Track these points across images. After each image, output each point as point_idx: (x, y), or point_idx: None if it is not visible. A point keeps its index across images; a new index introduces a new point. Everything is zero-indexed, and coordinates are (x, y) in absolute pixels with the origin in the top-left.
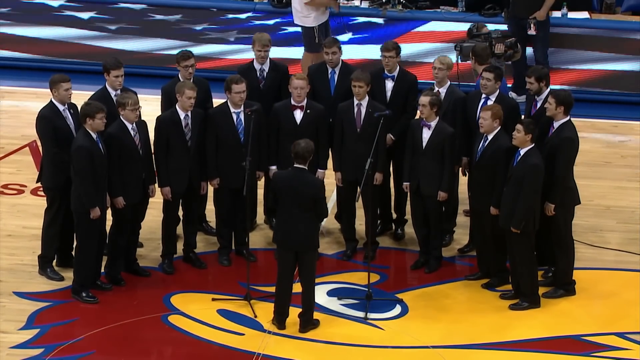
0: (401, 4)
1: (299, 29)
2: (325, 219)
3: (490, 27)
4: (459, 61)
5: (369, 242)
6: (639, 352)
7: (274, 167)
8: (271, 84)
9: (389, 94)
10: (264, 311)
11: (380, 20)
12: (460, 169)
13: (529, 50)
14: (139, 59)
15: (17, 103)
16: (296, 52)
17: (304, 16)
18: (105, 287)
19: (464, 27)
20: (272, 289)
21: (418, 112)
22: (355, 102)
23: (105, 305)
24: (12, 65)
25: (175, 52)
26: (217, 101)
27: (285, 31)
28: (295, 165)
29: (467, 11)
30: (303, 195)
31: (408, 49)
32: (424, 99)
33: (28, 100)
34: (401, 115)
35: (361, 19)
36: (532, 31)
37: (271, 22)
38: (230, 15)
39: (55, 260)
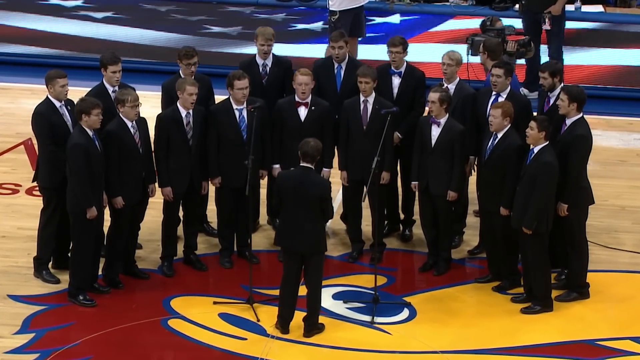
0: None
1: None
2: (330, 220)
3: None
4: (470, 54)
5: (375, 244)
6: None
7: (277, 166)
8: (274, 80)
9: (396, 90)
10: (267, 315)
11: None
12: (467, 168)
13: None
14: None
15: (12, 99)
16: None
17: None
18: (103, 290)
19: None
20: (276, 292)
21: (426, 108)
22: (362, 98)
23: (103, 308)
24: (7, 61)
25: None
26: (218, 98)
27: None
28: (302, 165)
29: (477, 5)
30: (310, 196)
31: None
32: (433, 95)
33: (23, 97)
34: (409, 113)
35: None
36: (546, 26)
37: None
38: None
39: (51, 262)
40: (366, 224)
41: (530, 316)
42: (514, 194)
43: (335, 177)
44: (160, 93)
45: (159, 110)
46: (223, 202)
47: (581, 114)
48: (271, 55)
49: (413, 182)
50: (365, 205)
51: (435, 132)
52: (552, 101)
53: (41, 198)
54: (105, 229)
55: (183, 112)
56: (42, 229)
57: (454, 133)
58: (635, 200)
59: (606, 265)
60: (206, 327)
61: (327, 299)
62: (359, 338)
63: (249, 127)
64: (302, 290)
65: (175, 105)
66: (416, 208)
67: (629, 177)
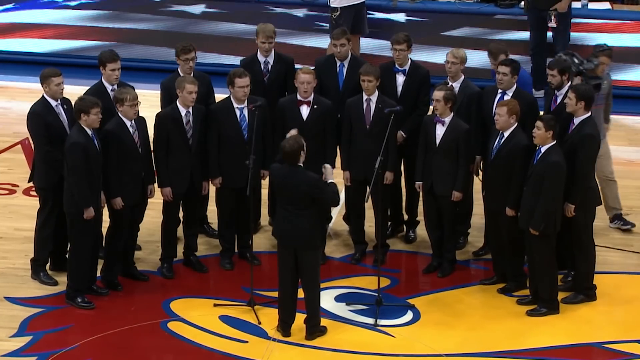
0: None
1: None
2: (332, 221)
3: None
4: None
5: (378, 245)
6: None
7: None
8: (276, 78)
9: (399, 88)
10: (268, 317)
11: None
12: (473, 168)
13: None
14: None
15: (9, 98)
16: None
17: None
18: (102, 292)
19: None
20: (277, 294)
21: (431, 107)
22: (365, 97)
23: (101, 311)
24: (4, 59)
25: None
26: (219, 96)
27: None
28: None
29: (482, 2)
30: (298, 192)
31: None
32: (437, 94)
33: (20, 96)
34: (412, 111)
35: None
36: (552, 23)
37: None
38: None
39: (48, 264)
40: (369, 225)
41: (536, 318)
42: (520, 194)
43: (338, 177)
44: (159, 91)
45: (158, 109)
46: (224, 203)
47: (589, 113)
48: (273, 52)
49: (417, 183)
50: (369, 206)
51: (440, 131)
52: (559, 100)
53: (38, 198)
54: (104, 229)
55: (182, 111)
56: (39, 230)
57: (459, 132)
58: None
59: (613, 266)
60: (207, 330)
61: (329, 301)
62: (362, 341)
63: (249, 126)
64: (302, 293)
65: (174, 104)
66: (420, 209)
67: (636, 178)
